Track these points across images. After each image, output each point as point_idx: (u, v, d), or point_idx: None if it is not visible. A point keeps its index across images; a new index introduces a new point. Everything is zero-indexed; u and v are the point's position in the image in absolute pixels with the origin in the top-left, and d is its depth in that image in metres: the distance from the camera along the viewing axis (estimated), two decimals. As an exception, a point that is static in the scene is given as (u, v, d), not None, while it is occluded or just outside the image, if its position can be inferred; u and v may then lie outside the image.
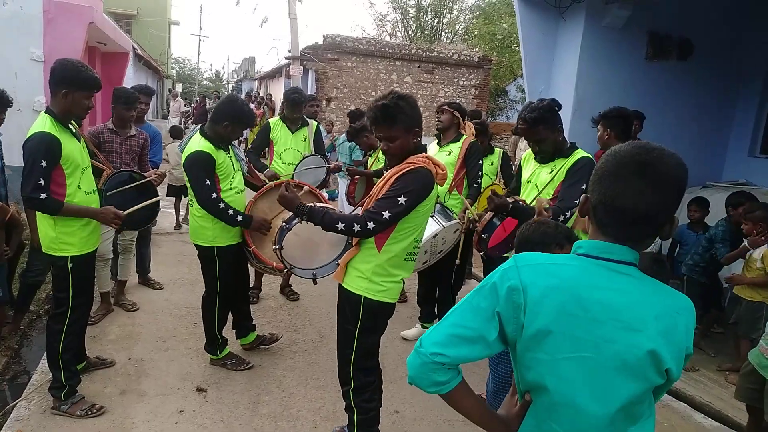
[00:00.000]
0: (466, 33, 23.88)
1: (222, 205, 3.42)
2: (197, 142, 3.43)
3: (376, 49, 15.38)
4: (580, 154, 3.14)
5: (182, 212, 7.97)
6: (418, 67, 15.66)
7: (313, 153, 5.05)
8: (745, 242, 4.19)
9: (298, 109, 5.01)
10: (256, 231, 3.61)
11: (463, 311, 1.31)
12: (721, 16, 6.33)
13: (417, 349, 1.31)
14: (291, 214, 2.86)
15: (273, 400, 3.53)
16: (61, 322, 3.13)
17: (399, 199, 2.42)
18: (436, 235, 3.63)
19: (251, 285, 4.63)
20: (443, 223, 3.66)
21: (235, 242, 3.66)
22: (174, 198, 7.85)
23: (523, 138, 7.02)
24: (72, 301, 3.12)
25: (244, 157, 3.97)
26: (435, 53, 15.98)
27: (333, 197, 7.47)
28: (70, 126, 3.06)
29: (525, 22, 6.25)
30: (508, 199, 3.04)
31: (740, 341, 4.20)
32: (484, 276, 5.47)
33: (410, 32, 23.99)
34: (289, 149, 4.95)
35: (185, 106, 21.09)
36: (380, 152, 4.29)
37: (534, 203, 3.18)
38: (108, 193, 3.40)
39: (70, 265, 3.07)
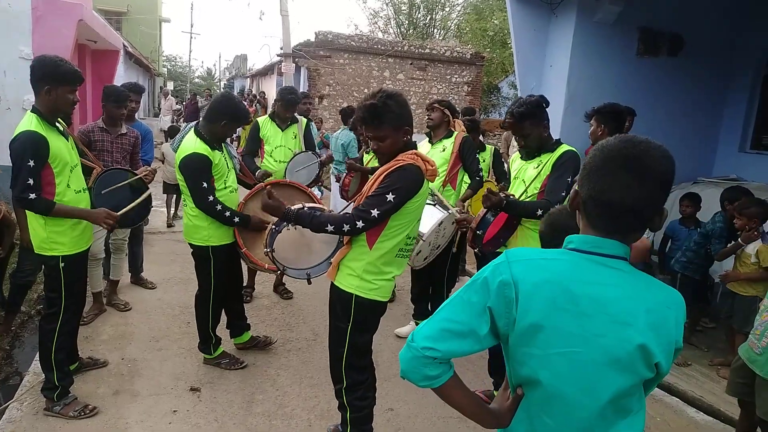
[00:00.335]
0: (458, 30, 23.89)
1: (219, 207, 3.41)
2: (192, 143, 3.40)
3: (368, 46, 15.37)
4: (564, 148, 3.22)
5: (173, 209, 7.98)
6: (411, 64, 15.66)
7: (304, 150, 5.04)
8: (739, 239, 4.22)
9: (293, 109, 4.99)
10: (255, 230, 3.58)
11: (454, 306, 1.32)
12: (712, 12, 6.36)
13: (409, 343, 1.32)
14: None
15: (267, 398, 3.52)
16: (53, 322, 3.11)
17: (387, 196, 2.41)
18: (441, 222, 3.62)
19: (244, 284, 4.63)
20: (446, 211, 3.65)
21: (229, 241, 3.64)
22: (166, 195, 7.86)
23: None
24: (64, 301, 3.10)
25: (236, 155, 3.95)
26: (427, 50, 15.99)
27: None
28: (57, 124, 3.04)
29: (517, 19, 6.25)
30: (501, 194, 3.06)
31: (734, 336, 4.23)
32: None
33: (403, 29, 23.98)
34: (279, 147, 4.93)
35: (177, 104, 20.96)
36: None
37: (523, 197, 3.22)
38: (102, 192, 3.38)
39: (61, 264, 3.05)
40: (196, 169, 3.37)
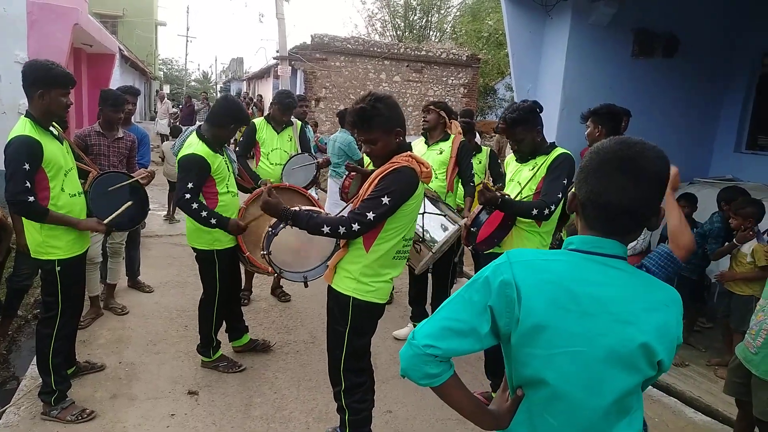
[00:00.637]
0: (453, 31, 23.94)
1: (195, 205, 3.33)
2: (195, 145, 3.41)
3: (364, 49, 15.39)
4: (559, 151, 3.25)
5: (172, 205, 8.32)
6: (407, 66, 15.68)
7: (300, 152, 5.04)
8: (734, 239, 4.23)
9: (289, 113, 4.99)
10: (234, 234, 3.56)
11: (455, 304, 1.32)
12: (707, 13, 6.37)
13: (410, 341, 1.32)
14: None
15: (265, 402, 3.52)
16: (50, 327, 3.10)
17: (383, 199, 2.41)
18: (453, 235, 3.60)
19: (242, 287, 4.62)
20: (458, 223, 3.63)
21: (233, 244, 3.66)
22: (168, 192, 8.30)
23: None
24: (61, 304, 3.10)
25: (235, 159, 3.96)
26: (423, 52, 16.01)
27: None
28: (52, 128, 3.04)
29: (512, 21, 6.26)
30: (497, 192, 3.07)
31: (731, 336, 4.24)
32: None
33: (399, 31, 24.01)
34: (275, 150, 4.94)
35: (173, 107, 20.92)
36: None
37: (518, 199, 3.23)
38: (98, 192, 3.36)
39: (57, 268, 3.05)
40: (189, 169, 3.36)
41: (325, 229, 2.49)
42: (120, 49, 15.03)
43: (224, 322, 3.96)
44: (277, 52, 15.06)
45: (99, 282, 4.65)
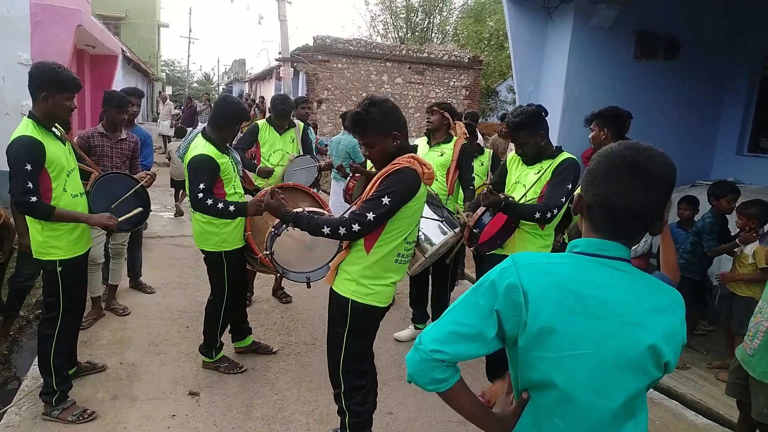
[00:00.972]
0: (455, 33, 23.95)
1: (210, 201, 3.30)
2: (203, 146, 3.42)
3: (366, 51, 15.41)
4: (565, 155, 3.26)
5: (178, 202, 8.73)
6: (409, 68, 15.69)
7: (302, 153, 5.04)
8: (737, 240, 4.23)
9: (285, 118, 4.99)
10: (254, 215, 3.50)
11: (462, 308, 1.32)
12: (709, 15, 6.38)
13: (416, 346, 1.32)
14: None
15: (266, 403, 3.52)
16: (51, 327, 3.11)
17: (383, 200, 2.41)
18: (447, 242, 3.61)
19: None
20: (453, 230, 3.63)
21: (241, 245, 3.67)
22: (174, 189, 8.81)
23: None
24: (62, 305, 3.10)
25: (240, 160, 3.97)
26: (425, 54, 16.02)
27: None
28: (54, 129, 3.04)
29: (514, 23, 6.26)
30: (500, 195, 3.08)
31: (732, 338, 4.23)
32: (477, 276, 5.45)
33: (401, 33, 24.03)
34: (277, 151, 4.94)
35: (175, 108, 20.96)
36: None
37: (522, 202, 3.23)
38: (112, 206, 3.38)
39: (59, 269, 3.05)
40: (199, 170, 3.35)
41: (326, 230, 2.49)
42: (123, 51, 15.08)
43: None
44: (280, 53, 15.11)
45: (101, 283, 4.66)
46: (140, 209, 3.48)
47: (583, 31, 5.94)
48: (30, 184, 2.81)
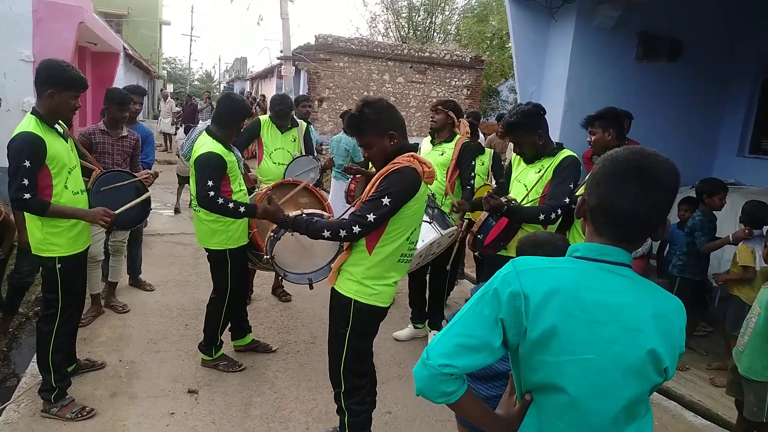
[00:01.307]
0: (458, 33, 23.94)
1: (221, 200, 3.29)
2: (209, 144, 3.41)
3: (368, 50, 15.41)
4: (565, 153, 3.24)
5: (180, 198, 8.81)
6: (411, 67, 15.69)
7: (303, 153, 5.03)
8: (730, 236, 4.23)
9: (286, 119, 4.97)
10: (265, 218, 3.51)
11: (467, 319, 1.31)
12: (711, 18, 6.37)
13: (424, 361, 1.30)
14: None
15: (265, 401, 3.52)
16: (50, 324, 3.11)
17: (383, 200, 2.40)
18: (433, 242, 3.62)
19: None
20: (441, 231, 3.63)
21: (245, 242, 3.67)
22: (178, 185, 8.82)
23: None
24: (61, 302, 3.10)
25: (241, 158, 3.97)
26: (427, 54, 16.02)
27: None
28: (57, 126, 3.04)
29: (516, 23, 6.25)
30: (502, 199, 3.06)
31: (730, 340, 4.22)
32: (477, 276, 5.44)
33: (403, 32, 24.02)
34: (278, 149, 4.93)
35: (176, 106, 20.96)
36: None
37: (524, 202, 3.22)
38: (102, 189, 3.37)
39: (58, 265, 3.05)
40: (206, 167, 3.33)
41: (326, 234, 2.48)
42: (124, 48, 15.07)
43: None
44: (281, 52, 15.10)
45: (100, 280, 4.66)
46: (137, 200, 3.46)
47: (585, 31, 5.93)
48: (26, 181, 2.80)
